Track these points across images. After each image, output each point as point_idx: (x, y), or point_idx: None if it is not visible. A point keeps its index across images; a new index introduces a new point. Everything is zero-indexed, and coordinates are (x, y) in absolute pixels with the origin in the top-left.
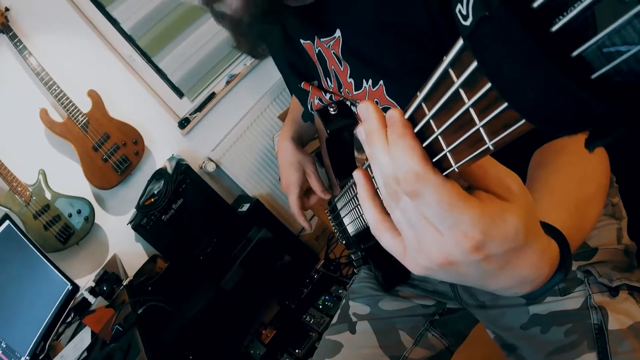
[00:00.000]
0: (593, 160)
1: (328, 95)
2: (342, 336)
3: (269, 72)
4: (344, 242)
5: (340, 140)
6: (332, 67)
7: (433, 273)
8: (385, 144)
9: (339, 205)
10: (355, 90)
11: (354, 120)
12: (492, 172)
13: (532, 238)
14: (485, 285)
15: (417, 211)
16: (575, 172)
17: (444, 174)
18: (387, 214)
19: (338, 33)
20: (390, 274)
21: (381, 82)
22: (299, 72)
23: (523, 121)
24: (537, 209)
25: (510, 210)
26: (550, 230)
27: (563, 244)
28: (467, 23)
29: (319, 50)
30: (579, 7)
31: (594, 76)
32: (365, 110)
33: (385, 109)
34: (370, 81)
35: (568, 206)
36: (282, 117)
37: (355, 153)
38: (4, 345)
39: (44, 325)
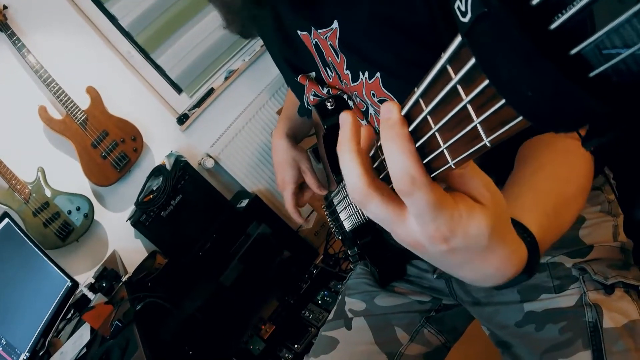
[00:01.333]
0: (578, 160)
1: (325, 90)
2: (338, 332)
3: (268, 68)
4: (340, 237)
5: (337, 135)
6: (329, 58)
7: (410, 247)
8: (354, 156)
9: (335, 201)
10: (352, 82)
11: None
12: (468, 175)
13: (496, 242)
14: (452, 273)
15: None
16: (559, 172)
17: (441, 170)
18: (375, 175)
19: (335, 24)
20: (386, 270)
21: (378, 74)
22: (294, 66)
23: (520, 118)
24: (516, 205)
25: (478, 212)
26: (524, 231)
27: (533, 247)
28: (466, 20)
29: (316, 42)
30: (577, 5)
31: (591, 75)
32: (344, 119)
33: (381, 102)
34: (366, 73)
35: (547, 207)
36: (281, 112)
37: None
38: (4, 342)
39: (44, 322)
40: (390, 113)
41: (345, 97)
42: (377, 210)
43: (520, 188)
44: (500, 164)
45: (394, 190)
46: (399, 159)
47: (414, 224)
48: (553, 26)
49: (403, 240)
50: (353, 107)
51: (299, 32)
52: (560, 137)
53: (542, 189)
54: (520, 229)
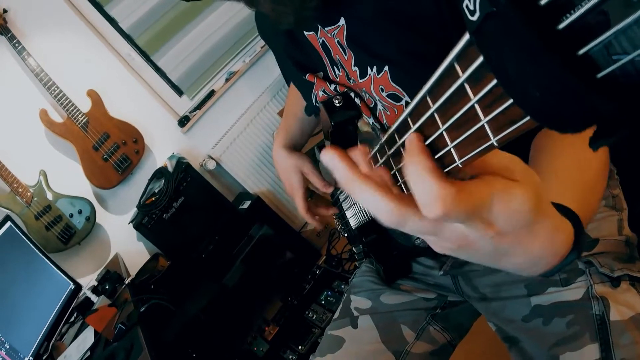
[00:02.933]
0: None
1: (333, 86)
2: (344, 331)
3: (269, 69)
4: (345, 235)
5: (344, 132)
6: (337, 56)
7: (454, 253)
8: (366, 186)
9: (341, 198)
10: (360, 78)
11: (358, 112)
12: (493, 160)
13: (543, 215)
14: (500, 264)
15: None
16: (578, 157)
17: (448, 169)
18: (396, 192)
19: (342, 21)
20: (392, 267)
21: (386, 68)
22: (301, 66)
23: (527, 118)
24: (545, 189)
25: (514, 189)
26: (562, 209)
27: (576, 223)
28: (474, 18)
29: (323, 40)
30: (586, 6)
31: (599, 75)
32: (331, 161)
33: (391, 95)
34: (375, 68)
35: (575, 187)
36: (282, 114)
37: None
38: (8, 347)
39: (47, 326)
40: (413, 145)
41: (353, 94)
42: (417, 227)
43: (543, 175)
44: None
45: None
46: (431, 189)
47: (454, 225)
48: (561, 26)
49: (453, 242)
50: (360, 104)
51: (305, 32)
52: None
53: (566, 174)
54: (557, 207)
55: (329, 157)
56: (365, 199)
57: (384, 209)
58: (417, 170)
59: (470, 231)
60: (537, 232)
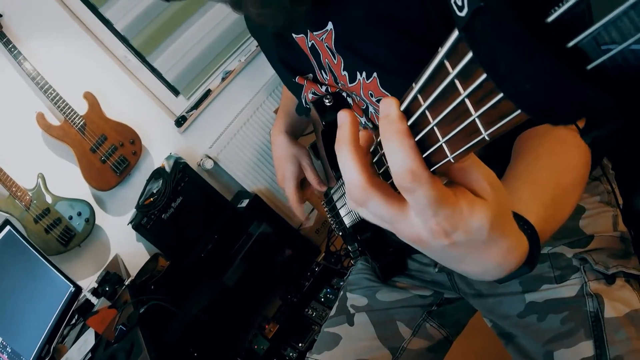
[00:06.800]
0: (574, 150)
1: (324, 88)
2: (341, 328)
3: (264, 68)
4: (340, 233)
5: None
6: (326, 60)
7: (410, 243)
8: (351, 154)
9: (335, 197)
10: (350, 83)
11: None
12: (469, 169)
13: (497, 235)
14: (454, 267)
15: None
16: (556, 162)
17: (440, 164)
18: (373, 172)
19: (330, 26)
20: (387, 265)
21: (375, 74)
22: (290, 67)
23: (519, 112)
24: (514, 198)
25: (479, 206)
26: (523, 223)
27: (534, 239)
28: (463, 14)
29: (312, 44)
30: None
31: (589, 67)
32: (344, 117)
33: (380, 101)
34: (364, 73)
35: (545, 198)
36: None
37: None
38: (9, 350)
39: (48, 328)
40: (389, 109)
41: (345, 94)
42: (377, 208)
43: (518, 181)
44: (501, 156)
45: (394, 187)
46: (399, 155)
47: (415, 220)
48: (550, 19)
49: (406, 236)
50: (352, 104)
51: (294, 35)
52: (556, 128)
53: (540, 180)
54: (519, 221)
55: (344, 114)
56: (342, 163)
57: (354, 180)
58: (392, 134)
59: (425, 232)
60: (491, 249)
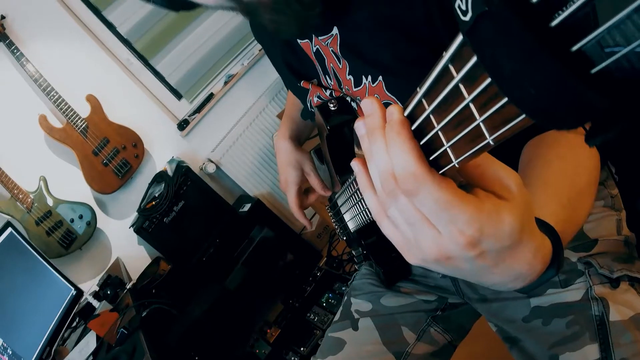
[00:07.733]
0: (584, 153)
1: (328, 92)
2: (345, 333)
3: (267, 71)
4: (344, 238)
5: (340, 136)
6: (331, 64)
7: (429, 265)
8: (385, 141)
9: (339, 202)
10: (355, 87)
11: (354, 116)
12: (490, 170)
13: (527, 237)
14: (480, 280)
15: (414, 208)
16: (568, 165)
17: (445, 169)
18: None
19: (335, 30)
20: (392, 270)
21: (380, 77)
22: (296, 72)
23: (523, 116)
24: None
25: (506, 209)
26: (543, 226)
27: (556, 240)
28: (467, 18)
29: (317, 49)
30: (577, 2)
31: (593, 71)
32: (370, 105)
33: (385, 105)
34: (369, 77)
35: (561, 199)
36: (281, 116)
37: (356, 149)
38: (10, 352)
39: (50, 331)
40: (392, 115)
41: (349, 98)
42: (431, 195)
43: (531, 187)
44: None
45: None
46: (401, 157)
47: (433, 232)
48: (554, 23)
49: (428, 253)
50: (357, 108)
51: (299, 40)
52: (564, 133)
53: (554, 183)
54: (539, 224)
55: (371, 102)
56: (376, 147)
57: (404, 164)
58: (394, 137)
59: (450, 246)
60: (519, 253)
